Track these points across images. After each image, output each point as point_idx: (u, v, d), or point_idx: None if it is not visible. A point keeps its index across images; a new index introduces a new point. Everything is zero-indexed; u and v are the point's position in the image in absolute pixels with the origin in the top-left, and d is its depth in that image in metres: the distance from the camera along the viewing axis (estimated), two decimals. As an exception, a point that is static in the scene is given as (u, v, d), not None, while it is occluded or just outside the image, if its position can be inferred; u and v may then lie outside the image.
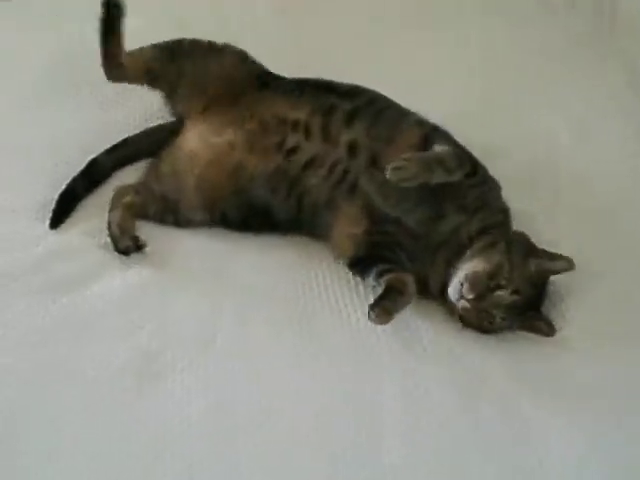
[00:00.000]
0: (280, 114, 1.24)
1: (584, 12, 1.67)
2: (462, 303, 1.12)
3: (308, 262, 1.22)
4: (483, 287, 1.11)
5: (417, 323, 1.15)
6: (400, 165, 1.10)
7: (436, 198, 1.15)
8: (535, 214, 1.27)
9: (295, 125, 1.23)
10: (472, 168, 1.16)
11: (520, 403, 1.06)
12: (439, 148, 1.17)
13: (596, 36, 1.62)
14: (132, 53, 1.29)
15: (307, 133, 1.22)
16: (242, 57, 1.32)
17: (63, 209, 1.26)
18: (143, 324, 1.12)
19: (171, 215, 1.26)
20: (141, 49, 1.30)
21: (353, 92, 1.28)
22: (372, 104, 1.26)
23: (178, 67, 1.29)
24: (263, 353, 1.10)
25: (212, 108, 1.28)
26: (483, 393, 1.07)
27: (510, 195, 1.23)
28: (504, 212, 1.21)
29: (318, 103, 1.25)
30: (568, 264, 1.12)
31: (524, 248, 1.14)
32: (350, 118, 1.22)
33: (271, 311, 1.15)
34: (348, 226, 1.20)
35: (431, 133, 1.22)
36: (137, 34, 1.28)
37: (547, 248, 1.16)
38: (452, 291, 1.13)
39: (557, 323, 1.13)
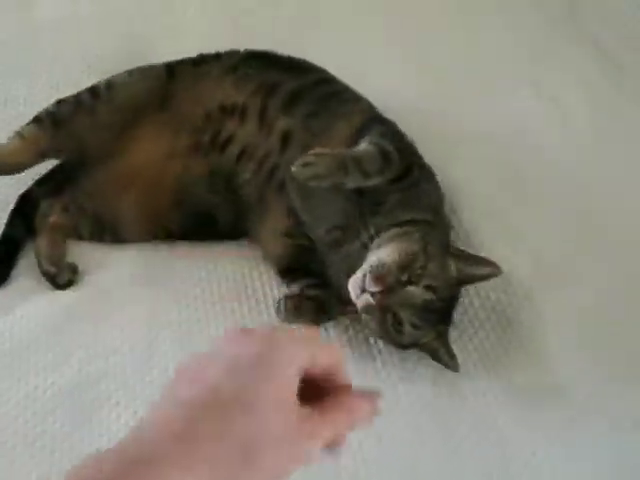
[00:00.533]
0: (217, 101, 1.11)
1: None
2: (364, 299, 0.91)
3: (252, 274, 1.10)
4: (391, 279, 0.90)
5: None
6: (309, 161, 0.94)
7: (353, 206, 1.00)
8: (504, 202, 1.16)
9: (232, 110, 1.10)
10: (404, 170, 1.00)
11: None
12: (364, 145, 1.00)
13: (563, 19, 1.52)
14: (13, 151, 1.11)
15: (243, 118, 1.09)
16: (142, 76, 1.17)
17: (6, 262, 1.09)
18: (73, 351, 0.99)
19: (109, 234, 1.13)
20: (22, 137, 1.11)
21: (301, 68, 1.16)
22: (319, 85, 1.13)
23: (70, 133, 1.13)
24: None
25: (137, 127, 1.14)
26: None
27: (478, 180, 1.15)
28: (436, 216, 1.03)
29: (261, 80, 1.12)
30: (494, 270, 0.94)
31: (445, 246, 0.97)
32: (291, 101, 1.09)
33: (214, 331, 1.02)
34: (275, 228, 1.07)
35: (367, 124, 1.06)
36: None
37: (513, 239, 1.08)
38: (353, 285, 0.92)
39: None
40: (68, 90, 1.30)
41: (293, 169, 0.94)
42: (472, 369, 0.99)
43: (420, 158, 1.09)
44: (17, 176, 1.15)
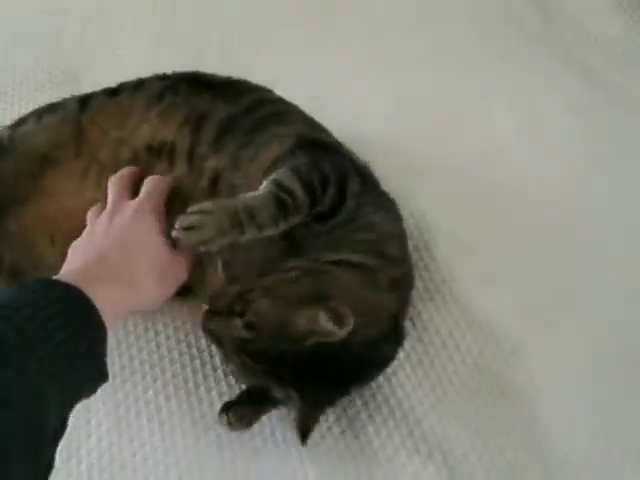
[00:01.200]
0: (143, 140, 0.94)
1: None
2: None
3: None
4: (221, 303, 0.79)
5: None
6: (193, 223, 0.77)
7: (275, 248, 0.85)
8: (483, 238, 1.01)
9: (160, 150, 0.93)
10: (331, 206, 0.84)
11: None
12: (263, 186, 0.82)
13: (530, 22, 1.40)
14: None
15: (172, 159, 0.92)
16: (51, 120, 0.98)
17: None
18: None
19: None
20: None
21: (236, 90, 0.98)
22: (254, 109, 0.95)
23: None
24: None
25: (52, 173, 0.96)
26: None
27: (453, 212, 1.02)
28: (380, 257, 0.85)
29: (189, 109, 0.94)
30: (340, 331, 0.73)
31: (320, 293, 0.78)
32: (221, 134, 0.92)
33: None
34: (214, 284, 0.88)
35: (291, 151, 0.88)
36: None
37: (494, 281, 0.94)
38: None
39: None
40: None
41: (174, 234, 0.78)
42: (454, 441, 0.84)
43: (373, 188, 0.93)
44: None
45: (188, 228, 0.77)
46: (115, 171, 0.92)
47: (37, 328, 0.55)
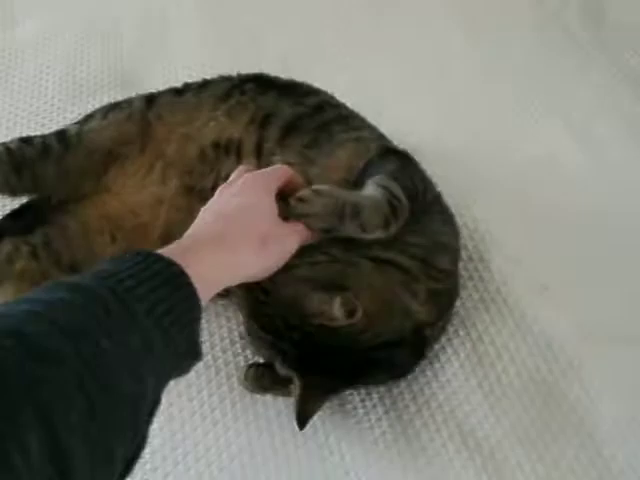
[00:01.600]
0: (210, 137, 0.97)
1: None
2: None
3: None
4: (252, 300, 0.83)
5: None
6: (306, 197, 0.80)
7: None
8: (539, 249, 1.00)
9: (228, 146, 0.96)
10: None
11: None
12: (371, 189, 0.83)
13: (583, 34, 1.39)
14: None
15: (239, 155, 0.95)
16: (117, 117, 1.01)
17: None
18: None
19: None
20: None
21: (300, 91, 1.02)
22: (319, 111, 0.99)
23: (31, 177, 0.99)
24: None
25: (115, 170, 0.99)
26: None
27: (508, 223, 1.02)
28: (426, 267, 0.86)
29: (256, 108, 0.98)
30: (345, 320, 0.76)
31: (339, 282, 0.80)
32: (287, 131, 0.95)
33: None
34: None
35: (377, 157, 0.91)
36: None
37: (550, 292, 0.94)
38: None
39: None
40: (47, 116, 1.23)
41: (290, 201, 0.80)
42: (509, 451, 0.84)
43: (441, 199, 0.95)
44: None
45: (301, 200, 0.80)
46: (181, 166, 0.95)
47: (139, 301, 0.56)
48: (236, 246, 0.71)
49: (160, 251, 0.63)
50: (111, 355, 0.51)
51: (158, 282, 0.58)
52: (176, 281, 0.60)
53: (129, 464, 0.53)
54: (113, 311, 0.53)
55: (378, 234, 0.81)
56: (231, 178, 0.83)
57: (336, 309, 0.76)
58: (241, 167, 0.84)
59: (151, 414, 0.56)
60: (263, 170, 0.83)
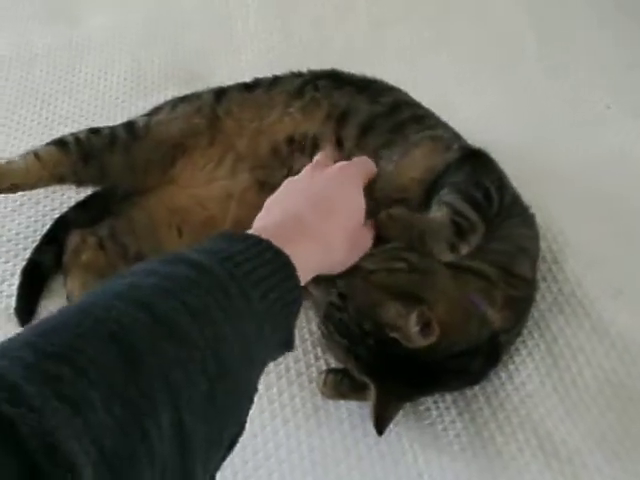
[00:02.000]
0: (284, 133, 0.97)
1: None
2: None
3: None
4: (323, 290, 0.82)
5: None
6: (381, 220, 0.80)
7: None
8: (615, 250, 0.98)
9: (302, 142, 0.95)
10: (495, 212, 0.86)
11: None
12: (436, 208, 0.83)
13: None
14: (24, 170, 0.96)
15: (315, 152, 0.92)
16: (186, 110, 1.01)
17: (31, 297, 0.95)
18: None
19: None
20: (38, 157, 0.97)
21: (375, 88, 1.01)
22: (395, 110, 0.97)
23: (99, 167, 0.99)
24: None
25: (183, 162, 0.99)
26: None
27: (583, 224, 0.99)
28: (505, 274, 0.84)
29: (331, 105, 0.97)
30: (420, 340, 0.74)
31: (417, 293, 0.78)
32: (364, 131, 0.94)
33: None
34: None
35: (454, 165, 0.89)
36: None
37: (628, 295, 0.91)
38: None
39: None
40: (112, 110, 1.23)
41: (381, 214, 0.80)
42: (588, 456, 0.82)
43: (520, 199, 0.93)
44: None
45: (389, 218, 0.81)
46: (252, 161, 0.95)
47: (254, 287, 0.55)
48: (331, 241, 0.70)
49: (264, 235, 0.61)
50: (230, 341, 0.51)
51: (270, 270, 0.57)
52: (285, 270, 0.60)
53: (230, 447, 0.53)
54: (233, 296, 0.53)
55: (449, 257, 0.81)
56: (316, 159, 0.82)
57: (412, 325, 0.75)
58: (327, 152, 0.84)
59: (251, 400, 0.56)
60: (355, 161, 0.83)
